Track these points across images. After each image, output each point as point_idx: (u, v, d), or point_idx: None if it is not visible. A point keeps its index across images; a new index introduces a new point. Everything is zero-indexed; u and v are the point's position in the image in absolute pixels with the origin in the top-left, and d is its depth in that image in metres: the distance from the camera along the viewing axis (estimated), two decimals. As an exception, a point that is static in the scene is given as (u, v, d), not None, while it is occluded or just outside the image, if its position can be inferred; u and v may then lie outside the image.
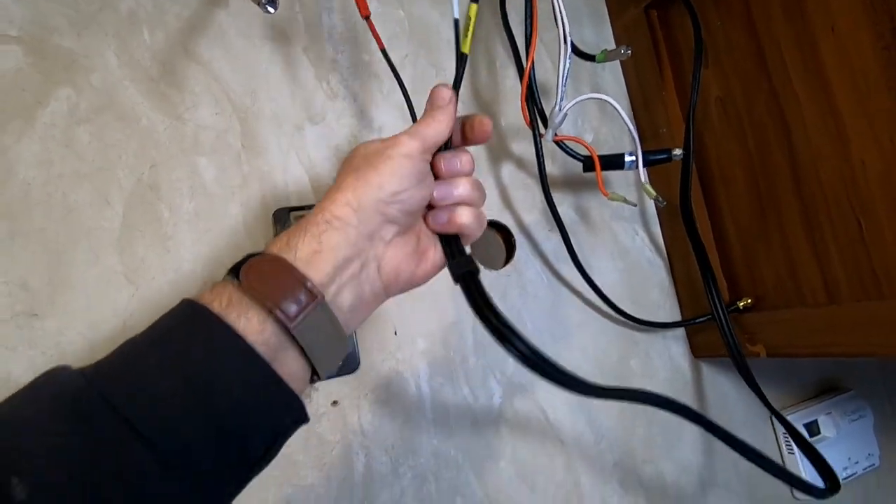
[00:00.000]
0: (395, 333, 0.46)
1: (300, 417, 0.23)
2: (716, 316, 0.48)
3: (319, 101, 0.48)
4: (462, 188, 0.30)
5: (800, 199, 0.44)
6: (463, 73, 0.32)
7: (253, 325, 0.22)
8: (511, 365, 0.48)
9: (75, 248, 0.39)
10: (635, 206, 0.53)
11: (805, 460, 0.54)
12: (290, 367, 0.23)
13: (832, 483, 0.39)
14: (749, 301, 0.50)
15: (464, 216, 0.30)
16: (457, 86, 0.31)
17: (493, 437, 0.46)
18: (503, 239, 0.53)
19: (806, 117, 0.43)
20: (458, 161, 0.30)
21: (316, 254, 0.24)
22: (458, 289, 0.48)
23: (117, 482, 0.18)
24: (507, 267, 0.51)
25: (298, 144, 0.46)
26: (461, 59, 0.31)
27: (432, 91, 0.30)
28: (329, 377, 0.42)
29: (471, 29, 0.31)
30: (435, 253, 0.31)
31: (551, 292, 0.52)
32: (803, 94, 0.43)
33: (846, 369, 0.61)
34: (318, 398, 0.42)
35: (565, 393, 0.49)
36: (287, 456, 0.40)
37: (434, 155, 0.30)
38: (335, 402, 0.43)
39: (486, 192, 0.33)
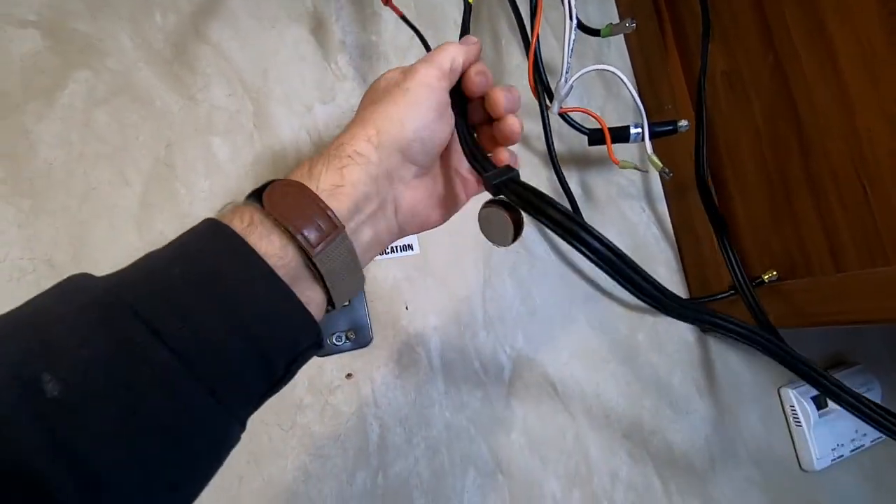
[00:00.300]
0: (407, 308, 0.47)
1: (317, 342, 0.23)
2: (740, 288, 0.48)
3: (329, 81, 0.48)
4: (510, 91, 0.30)
5: (806, 170, 0.45)
6: (469, 20, 0.31)
7: (274, 248, 0.22)
8: (521, 339, 0.49)
9: (97, 225, 0.40)
10: (646, 171, 0.53)
11: (814, 434, 0.55)
12: (307, 294, 0.23)
13: None
14: (774, 273, 0.48)
15: (515, 123, 0.30)
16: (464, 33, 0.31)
17: (503, 410, 0.47)
18: (511, 216, 0.54)
19: (812, 87, 0.43)
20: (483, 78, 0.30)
21: (338, 188, 0.24)
22: (466, 267, 0.49)
23: (151, 388, 0.18)
24: (516, 244, 0.52)
25: (309, 124, 0.47)
26: (467, 8, 0.31)
27: (463, 38, 0.30)
28: (338, 351, 0.43)
29: None
30: (450, 200, 0.31)
31: (560, 268, 0.53)
32: (809, 65, 0.43)
33: (854, 343, 0.61)
34: (333, 371, 0.43)
35: (573, 369, 0.50)
36: (304, 426, 0.42)
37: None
38: (349, 375, 0.44)
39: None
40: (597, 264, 0.23)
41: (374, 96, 0.27)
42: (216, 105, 0.45)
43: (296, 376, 0.42)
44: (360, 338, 0.44)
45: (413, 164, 0.27)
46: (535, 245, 0.52)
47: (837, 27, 0.41)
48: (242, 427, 0.21)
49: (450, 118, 0.29)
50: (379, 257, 0.47)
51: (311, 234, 0.22)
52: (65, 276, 0.37)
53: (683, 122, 0.44)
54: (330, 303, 0.25)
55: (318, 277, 0.23)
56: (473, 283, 0.49)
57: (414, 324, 0.46)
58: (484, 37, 0.55)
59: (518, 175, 0.26)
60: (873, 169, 0.40)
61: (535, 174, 0.53)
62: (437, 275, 0.48)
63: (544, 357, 0.50)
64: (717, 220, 0.49)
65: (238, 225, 0.22)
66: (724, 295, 0.52)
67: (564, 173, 0.54)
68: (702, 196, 0.49)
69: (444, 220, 0.31)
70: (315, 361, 0.43)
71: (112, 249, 0.40)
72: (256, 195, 0.23)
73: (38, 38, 0.41)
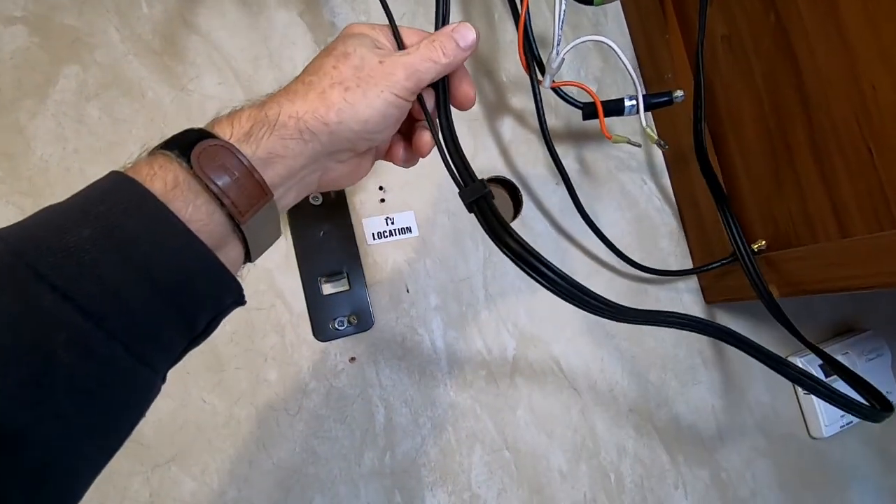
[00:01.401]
0: (408, 291, 0.47)
1: (238, 299, 0.23)
2: (740, 257, 0.48)
3: (320, 65, 0.48)
4: (422, 149, 0.31)
5: (810, 133, 0.43)
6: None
7: (200, 214, 0.21)
8: (523, 316, 0.49)
9: (95, 220, 0.40)
10: (640, 146, 0.53)
11: (823, 401, 0.54)
12: (230, 254, 0.23)
13: (882, 403, 0.38)
14: (763, 243, 0.49)
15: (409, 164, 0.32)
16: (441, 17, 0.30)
17: (508, 388, 0.48)
18: (510, 195, 0.53)
19: (814, 46, 0.42)
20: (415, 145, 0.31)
21: (278, 157, 0.24)
22: (466, 247, 0.49)
23: (64, 348, 0.18)
24: (516, 222, 0.51)
25: (302, 110, 0.47)
26: None
27: (458, 24, 0.29)
28: (341, 336, 0.44)
29: None
30: (363, 169, 0.31)
31: (560, 245, 0.52)
32: (811, 23, 0.42)
33: (863, 309, 0.61)
34: (336, 356, 0.44)
35: (577, 345, 0.50)
36: (311, 410, 0.42)
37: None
38: (353, 359, 0.44)
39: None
40: (550, 290, 0.26)
41: (344, 72, 0.26)
42: (208, 94, 0.44)
43: (300, 362, 0.43)
44: (361, 322, 0.44)
45: (353, 151, 0.28)
46: (535, 222, 0.52)
47: (840, -17, 0.39)
48: (163, 379, 0.22)
49: (403, 118, 0.29)
50: (377, 241, 0.47)
51: (241, 202, 0.22)
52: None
53: (679, 93, 0.43)
54: (247, 258, 0.25)
55: (242, 241, 0.24)
56: (473, 262, 0.49)
57: (415, 306, 0.47)
58: (476, 10, 0.54)
59: (490, 195, 0.28)
60: (878, 128, 0.39)
61: (529, 150, 0.53)
62: (437, 256, 0.48)
63: (548, 334, 0.50)
64: (717, 191, 0.48)
65: (160, 187, 0.21)
66: (723, 262, 0.51)
67: (563, 148, 0.54)
68: (701, 166, 0.48)
69: (355, 183, 0.32)
70: (318, 346, 0.43)
71: (112, 243, 0.40)
72: (180, 147, 0.22)
73: (26, 34, 0.41)
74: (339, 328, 0.44)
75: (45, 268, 0.18)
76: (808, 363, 0.55)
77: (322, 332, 0.43)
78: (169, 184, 0.21)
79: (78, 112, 0.41)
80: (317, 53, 0.48)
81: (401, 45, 0.29)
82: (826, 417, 0.54)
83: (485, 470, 0.45)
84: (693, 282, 0.56)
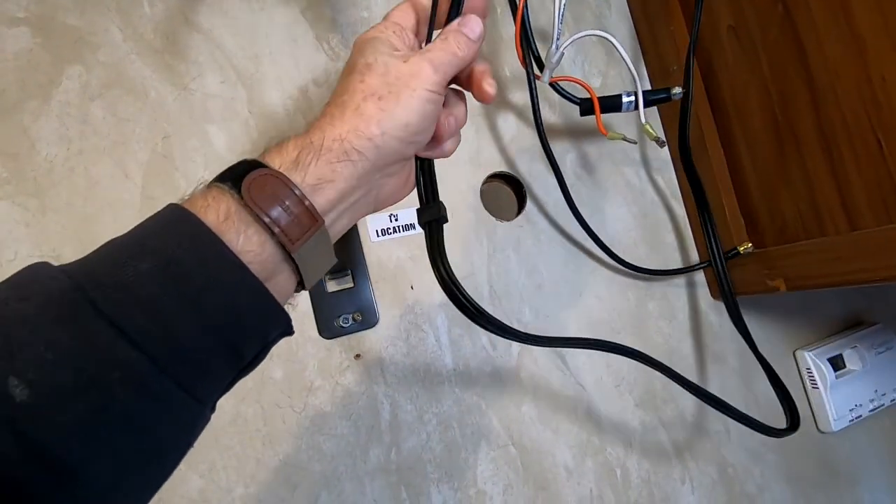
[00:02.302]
0: (412, 288, 0.47)
1: (287, 330, 0.24)
2: (713, 260, 0.50)
3: (322, 62, 0.48)
4: (462, 118, 0.30)
5: (818, 125, 0.43)
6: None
7: (252, 244, 0.21)
8: (528, 313, 0.49)
9: (101, 219, 0.40)
10: (635, 143, 0.52)
11: (831, 396, 0.54)
12: (282, 284, 0.23)
13: (792, 422, 0.45)
14: (749, 245, 0.50)
15: (454, 146, 0.31)
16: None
17: (513, 384, 0.48)
18: (514, 191, 0.53)
19: (822, 36, 0.41)
20: (455, 118, 0.30)
21: (327, 182, 0.24)
22: (470, 243, 0.49)
23: (118, 384, 0.18)
24: (519, 218, 0.51)
25: (304, 107, 0.47)
26: None
27: (466, 17, 0.29)
28: (346, 333, 0.44)
29: None
30: (411, 176, 0.31)
31: (565, 240, 0.52)
32: (819, 12, 0.41)
33: (873, 303, 0.60)
34: (341, 353, 0.44)
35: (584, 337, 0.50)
36: (316, 407, 0.42)
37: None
38: (358, 356, 0.44)
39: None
40: (465, 314, 0.29)
41: (374, 84, 0.26)
42: (210, 93, 0.44)
43: (305, 360, 0.43)
44: (366, 319, 0.44)
45: (402, 159, 0.27)
46: (538, 217, 0.52)
47: (849, -29, 0.38)
48: (212, 410, 0.22)
49: (439, 113, 0.28)
50: (381, 237, 0.47)
51: (292, 231, 0.22)
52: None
53: (677, 90, 0.42)
54: (301, 286, 0.25)
55: (294, 269, 0.23)
56: (478, 259, 0.49)
57: (420, 303, 0.47)
58: (478, 6, 0.53)
59: (444, 219, 0.30)
60: (888, 119, 0.38)
61: (534, 146, 0.52)
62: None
63: (553, 330, 0.50)
64: (698, 190, 0.49)
65: (213, 219, 0.21)
66: (701, 265, 0.53)
67: (565, 144, 0.53)
68: (684, 165, 0.49)
69: (408, 194, 0.31)
70: (324, 344, 0.43)
71: (118, 243, 0.40)
72: (232, 179, 0.22)
73: (29, 35, 0.41)
74: (344, 326, 0.44)
75: (104, 303, 0.19)
76: (817, 357, 0.55)
77: (327, 329, 0.43)
78: (221, 215, 0.21)
79: (82, 112, 0.41)
80: (319, 50, 0.48)
81: (431, 29, 0.29)
82: (835, 412, 0.54)
83: (490, 466, 0.45)
84: (700, 275, 0.55)
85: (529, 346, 0.49)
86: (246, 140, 0.45)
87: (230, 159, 0.45)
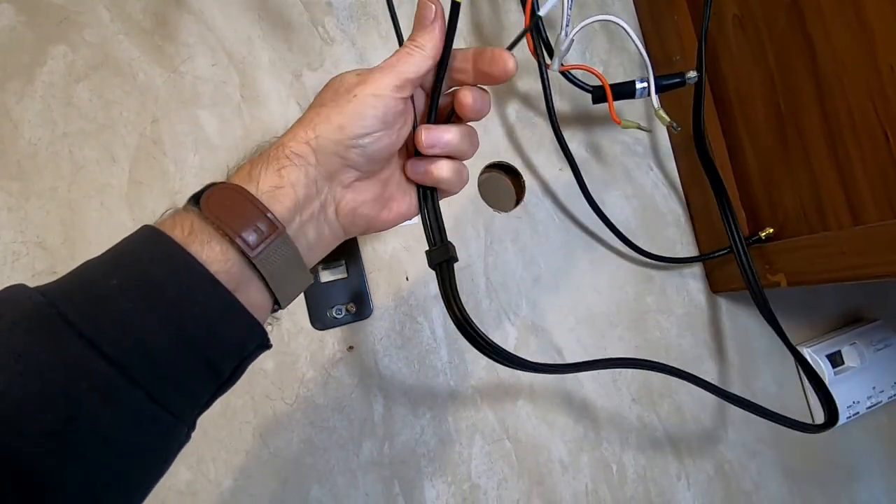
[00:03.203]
0: (407, 279, 0.46)
1: (263, 343, 0.24)
2: (734, 247, 0.48)
3: (316, 46, 0.46)
4: (451, 135, 0.28)
5: (823, 116, 0.42)
6: (456, 22, 0.27)
7: (215, 254, 0.22)
8: (525, 306, 0.48)
9: (87, 205, 0.39)
10: (650, 131, 0.51)
11: (835, 396, 0.54)
12: (252, 296, 0.23)
13: (830, 416, 0.43)
14: (771, 231, 0.48)
15: (443, 170, 0.29)
16: (451, 29, 0.27)
17: (509, 378, 0.47)
18: (512, 181, 0.52)
19: (830, 26, 0.40)
20: (443, 133, 0.28)
21: (278, 189, 0.24)
22: (467, 234, 0.48)
23: (88, 396, 0.18)
24: (518, 209, 0.50)
25: (298, 92, 0.45)
26: (455, 9, 0.26)
27: (418, 5, 0.27)
28: (339, 324, 0.43)
29: None
30: (401, 204, 0.30)
31: (563, 232, 0.51)
32: (827, 1, 0.40)
33: (873, 299, 0.59)
34: (334, 345, 0.43)
35: (579, 335, 0.49)
36: (308, 400, 0.42)
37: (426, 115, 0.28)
38: (351, 348, 0.43)
39: (478, 141, 0.31)
40: (483, 354, 0.29)
41: (324, 97, 0.26)
42: (201, 77, 0.43)
43: (297, 352, 0.42)
44: (360, 310, 0.43)
45: (354, 168, 0.27)
46: (536, 208, 0.51)
47: (859, -42, 0.37)
48: (191, 428, 0.22)
49: (404, 128, 0.27)
50: (376, 228, 0.46)
51: (251, 237, 0.22)
52: (58, 258, 0.36)
53: (692, 74, 0.41)
54: (276, 303, 0.25)
55: (262, 280, 0.23)
56: (475, 250, 0.48)
57: (415, 294, 0.46)
58: (478, -9, 0.52)
59: (455, 258, 0.29)
60: (895, 108, 0.37)
61: (534, 134, 0.51)
62: (437, 244, 0.47)
63: (550, 323, 0.49)
64: (715, 180, 0.47)
65: (179, 234, 0.22)
66: (721, 252, 0.51)
67: (570, 132, 0.52)
68: (700, 155, 0.47)
69: (392, 226, 0.30)
70: (316, 335, 0.43)
71: (104, 229, 0.39)
72: (195, 199, 0.23)
73: (12, 13, 0.39)
74: (337, 317, 0.43)
75: (75, 316, 0.19)
76: (816, 353, 0.54)
77: (319, 320, 0.42)
78: (186, 230, 0.22)
79: (67, 94, 0.40)
80: (313, 34, 0.47)
81: (400, 39, 0.29)
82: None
83: (485, 460, 0.45)
84: (699, 269, 0.55)
85: (526, 340, 0.48)
86: (238, 125, 0.43)
87: (221, 145, 0.44)
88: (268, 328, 0.24)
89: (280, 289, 0.24)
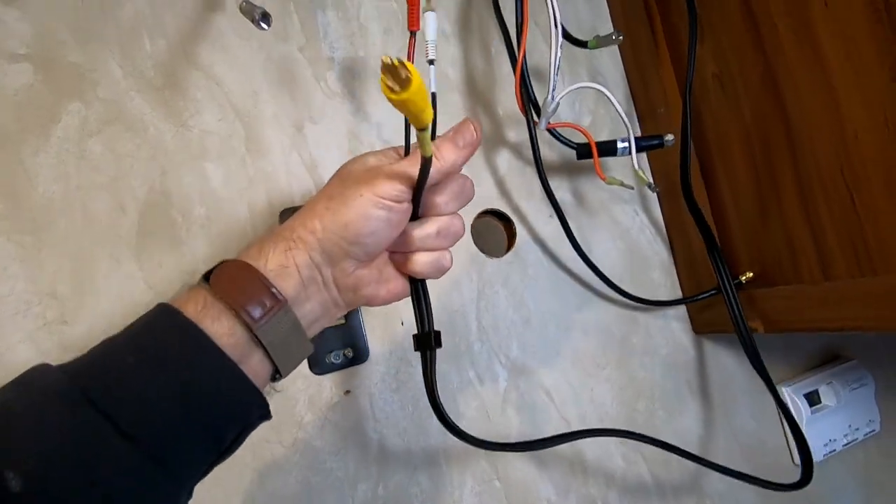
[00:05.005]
0: (402, 324, 0.48)
1: (264, 414, 0.26)
2: (723, 290, 0.49)
3: (318, 99, 0.49)
4: (428, 230, 0.30)
5: (795, 173, 0.45)
6: (426, 177, 0.27)
7: (224, 329, 0.24)
8: (515, 349, 0.50)
9: (98, 256, 0.41)
10: (632, 188, 0.54)
11: (807, 430, 0.56)
12: (255, 367, 0.25)
13: (805, 474, 0.45)
14: (751, 275, 0.50)
15: (417, 264, 0.31)
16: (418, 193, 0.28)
17: (499, 418, 0.49)
18: (504, 228, 0.54)
19: (801, 90, 0.43)
20: (428, 227, 0.30)
21: (284, 268, 0.26)
22: (460, 279, 0.50)
23: (106, 467, 0.20)
24: (509, 255, 0.52)
25: (300, 144, 0.48)
26: (425, 165, 0.26)
27: (460, 124, 0.30)
28: (336, 369, 0.45)
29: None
30: (396, 285, 0.32)
31: (552, 276, 0.53)
32: (797, 67, 0.43)
33: (849, 339, 0.62)
34: (331, 389, 0.45)
35: (568, 376, 0.51)
36: (305, 442, 0.43)
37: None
38: (348, 392, 0.45)
39: (461, 230, 0.32)
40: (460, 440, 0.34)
41: (333, 189, 0.28)
42: (208, 130, 0.45)
43: (296, 395, 0.44)
44: (357, 355, 0.45)
45: (354, 259, 0.29)
46: (527, 253, 0.53)
47: (826, 32, 0.40)
48: (189, 495, 0.24)
49: (401, 223, 0.29)
50: (373, 274, 0.48)
51: (255, 311, 0.24)
52: (67, 307, 0.38)
53: (669, 137, 0.44)
54: (277, 372, 0.27)
55: (264, 351, 0.25)
56: (467, 295, 0.50)
57: (409, 339, 0.47)
58: (473, 44, 0.55)
59: (438, 346, 0.33)
60: (860, 174, 0.40)
61: (524, 183, 0.54)
62: (431, 289, 0.48)
63: (539, 365, 0.51)
64: (705, 229, 0.49)
65: (192, 309, 0.24)
66: (708, 294, 0.52)
67: (558, 180, 0.55)
68: (689, 207, 0.49)
69: (390, 302, 0.33)
70: (314, 380, 0.44)
71: (113, 280, 0.41)
72: (206, 274, 0.25)
73: (31, 71, 0.42)
74: (335, 361, 0.44)
75: (94, 392, 0.21)
76: (794, 393, 0.56)
77: (318, 365, 0.44)
78: (199, 305, 0.24)
79: (80, 148, 0.42)
80: (316, 88, 0.49)
81: (408, 149, 0.31)
82: (811, 445, 0.55)
83: (475, 500, 0.46)
84: (683, 311, 0.57)
85: (516, 381, 0.50)
86: (242, 176, 0.46)
87: (226, 196, 0.46)
88: (268, 397, 0.26)
89: (280, 358, 0.26)
